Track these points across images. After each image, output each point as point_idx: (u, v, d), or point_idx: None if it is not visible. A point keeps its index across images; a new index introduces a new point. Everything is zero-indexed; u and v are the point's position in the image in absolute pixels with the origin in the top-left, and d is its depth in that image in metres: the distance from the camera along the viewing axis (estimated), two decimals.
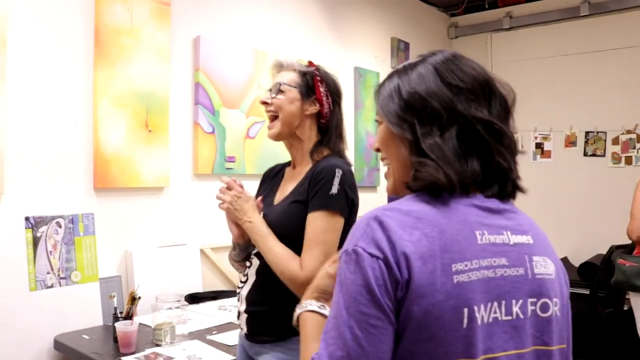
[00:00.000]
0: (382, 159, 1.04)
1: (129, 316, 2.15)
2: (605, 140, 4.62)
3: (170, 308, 2.19)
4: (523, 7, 5.02)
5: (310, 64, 1.71)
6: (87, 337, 2.23)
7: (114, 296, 2.24)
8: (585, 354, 3.86)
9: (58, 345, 2.21)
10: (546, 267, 0.94)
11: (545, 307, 0.91)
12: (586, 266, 4.13)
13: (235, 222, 1.62)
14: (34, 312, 2.25)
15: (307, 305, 1.00)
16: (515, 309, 0.88)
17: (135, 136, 2.67)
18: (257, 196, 1.72)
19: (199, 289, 2.89)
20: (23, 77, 2.33)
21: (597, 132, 4.65)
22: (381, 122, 1.01)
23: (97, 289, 2.45)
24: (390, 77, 1.01)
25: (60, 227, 2.37)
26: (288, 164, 1.78)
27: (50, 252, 2.33)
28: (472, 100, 0.92)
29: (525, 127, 5.01)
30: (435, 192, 0.90)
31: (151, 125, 2.73)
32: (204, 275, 2.98)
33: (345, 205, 1.52)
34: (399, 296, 0.81)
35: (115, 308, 2.20)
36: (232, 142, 3.13)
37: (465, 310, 0.82)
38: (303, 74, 1.67)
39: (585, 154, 4.72)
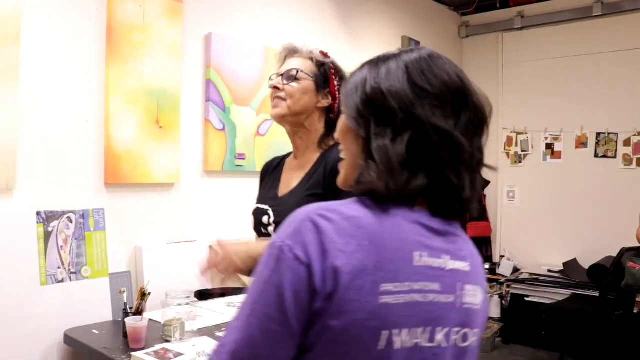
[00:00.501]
0: (341, 150, 0.97)
1: (138, 312, 2.15)
2: (616, 142, 4.59)
3: (179, 304, 2.20)
4: (535, 7, 5.00)
5: (325, 55, 1.64)
6: (96, 332, 2.24)
7: (124, 291, 2.25)
8: (595, 357, 3.84)
9: (68, 339, 2.22)
10: (475, 297, 0.90)
11: (465, 338, 0.88)
12: (596, 268, 4.11)
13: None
14: (44, 307, 2.26)
15: None
16: (439, 336, 0.84)
17: (146, 132, 2.68)
18: (259, 191, 1.72)
19: (207, 285, 2.89)
20: (36, 72, 2.34)
21: (609, 133, 4.62)
22: (343, 112, 0.96)
23: (107, 284, 2.46)
24: (361, 67, 0.95)
25: (71, 222, 2.38)
26: (286, 155, 1.74)
27: (61, 247, 2.34)
28: (436, 107, 0.85)
29: (535, 127, 4.99)
30: (379, 200, 0.84)
31: (162, 122, 2.74)
32: (213, 271, 2.98)
33: None
34: (315, 307, 0.76)
35: (125, 303, 2.21)
36: (242, 139, 3.13)
37: (384, 333, 0.78)
38: (320, 65, 1.61)
39: (596, 155, 4.70)
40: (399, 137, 0.84)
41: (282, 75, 1.60)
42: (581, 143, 4.76)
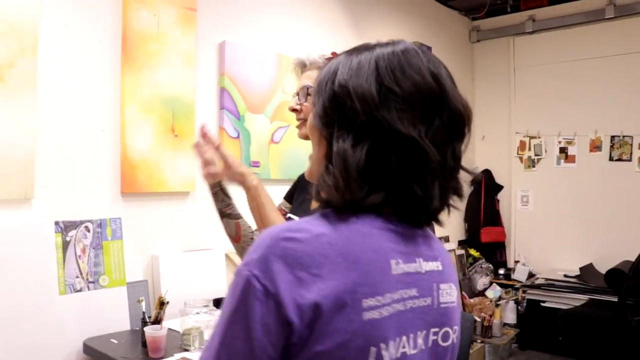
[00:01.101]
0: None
1: (157, 321, 2.15)
2: (631, 145, 4.56)
3: (198, 313, 2.19)
4: (546, 11, 4.98)
5: (335, 55, 1.63)
6: (115, 341, 2.23)
7: (142, 300, 2.25)
8: None
9: (87, 349, 2.22)
10: (451, 295, 0.88)
11: (446, 337, 0.85)
12: (613, 273, 4.07)
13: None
14: (63, 316, 2.26)
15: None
16: (419, 340, 0.82)
17: (162, 141, 2.68)
18: (288, 198, 1.71)
19: (223, 293, 2.87)
20: (53, 82, 2.35)
21: (623, 137, 4.59)
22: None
23: (124, 293, 2.46)
24: (337, 57, 0.88)
25: (88, 231, 2.38)
26: None
27: (79, 256, 2.34)
28: (404, 111, 0.78)
29: (548, 131, 4.96)
30: (339, 211, 0.80)
31: (177, 130, 2.75)
32: (229, 279, 2.98)
33: None
34: (293, 339, 0.71)
35: (143, 312, 2.21)
36: (256, 147, 3.13)
37: (373, 349, 0.75)
38: None
39: (610, 159, 4.66)
40: (360, 143, 0.78)
41: (298, 94, 1.59)
42: (595, 146, 4.73)
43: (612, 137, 4.64)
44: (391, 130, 0.77)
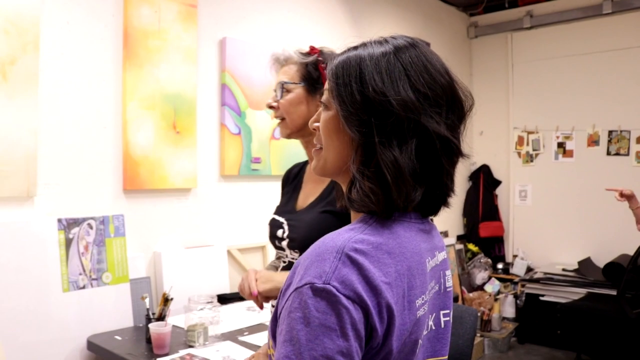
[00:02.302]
0: (316, 142, 0.93)
1: (161, 317, 2.15)
2: (629, 139, 4.57)
3: (202, 309, 2.19)
4: (544, 6, 4.99)
5: (312, 49, 1.54)
6: (119, 337, 2.24)
7: (146, 297, 2.25)
8: (612, 356, 3.82)
9: (91, 346, 2.22)
10: (450, 280, 0.98)
11: (447, 316, 0.95)
12: (612, 266, 4.10)
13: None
14: (66, 313, 2.26)
15: None
16: (430, 322, 0.90)
17: (164, 138, 2.68)
18: (281, 199, 1.70)
19: (226, 289, 2.89)
20: (55, 79, 2.35)
21: (621, 131, 4.61)
22: (329, 106, 0.88)
23: (127, 290, 2.46)
24: (350, 54, 0.88)
25: (91, 228, 2.38)
26: (307, 162, 1.68)
27: (82, 253, 2.34)
28: (437, 113, 0.83)
29: (546, 126, 4.98)
30: (378, 215, 0.83)
31: (179, 127, 2.74)
32: (231, 276, 2.99)
33: None
34: (374, 344, 0.75)
35: (147, 309, 2.21)
36: (257, 144, 3.14)
37: (419, 341, 0.83)
38: (305, 66, 1.50)
39: (608, 153, 4.68)
40: (405, 147, 0.81)
41: (275, 90, 1.55)
42: (593, 141, 4.75)
43: (610, 132, 4.66)
44: (432, 132, 0.82)
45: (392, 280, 0.77)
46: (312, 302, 0.72)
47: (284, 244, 1.56)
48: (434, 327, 0.92)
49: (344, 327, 0.71)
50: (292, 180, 1.71)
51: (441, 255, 0.95)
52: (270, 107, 1.56)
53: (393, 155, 0.80)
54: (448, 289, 0.96)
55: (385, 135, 0.81)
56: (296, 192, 1.65)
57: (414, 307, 0.80)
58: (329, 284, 0.72)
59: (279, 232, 1.57)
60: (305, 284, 0.74)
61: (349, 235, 0.78)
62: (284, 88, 1.51)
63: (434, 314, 0.92)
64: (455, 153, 0.86)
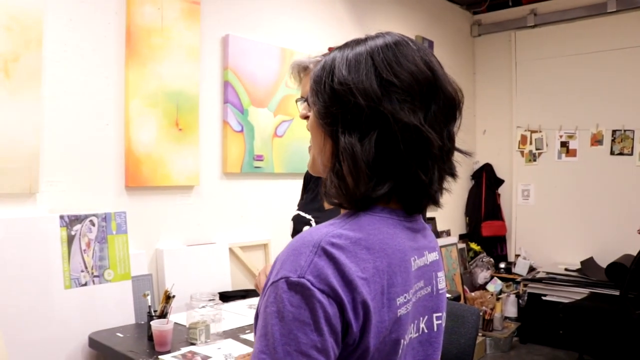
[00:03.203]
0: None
1: (163, 315, 2.15)
2: (633, 139, 4.56)
3: (204, 306, 2.19)
4: (548, 4, 4.97)
5: (332, 50, 1.58)
6: (121, 335, 2.24)
7: (147, 294, 2.25)
8: (614, 356, 3.81)
9: (93, 343, 2.22)
10: (443, 281, 0.96)
11: (439, 318, 0.94)
12: (614, 266, 4.08)
13: None
14: (68, 310, 2.26)
15: None
16: (422, 325, 0.89)
17: (166, 135, 2.68)
18: (302, 196, 1.70)
19: (228, 287, 2.89)
20: (57, 77, 2.35)
21: (625, 131, 4.59)
22: (312, 106, 0.90)
23: (129, 287, 2.46)
24: (329, 54, 0.90)
25: (93, 225, 2.38)
26: None
27: (84, 250, 2.34)
28: (405, 101, 0.80)
29: (550, 125, 4.97)
30: (358, 208, 0.83)
31: (181, 124, 2.74)
32: (233, 273, 2.99)
33: None
34: (350, 341, 0.74)
35: (149, 306, 2.21)
36: (260, 141, 3.13)
37: (402, 341, 0.81)
38: None
39: (612, 153, 4.66)
40: (367, 137, 0.80)
41: (306, 100, 1.56)
42: (597, 141, 4.73)
43: (614, 131, 4.65)
44: (395, 121, 0.79)
45: (369, 276, 0.76)
46: (286, 296, 0.72)
47: None
48: (426, 330, 0.91)
49: (318, 321, 0.71)
50: (318, 177, 1.70)
51: (432, 256, 0.93)
52: (306, 117, 1.54)
53: (350, 145, 0.80)
54: (441, 291, 0.95)
55: (347, 125, 0.81)
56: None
57: (394, 305, 0.79)
58: (303, 277, 0.72)
59: (305, 229, 1.57)
60: (281, 278, 0.73)
61: (327, 230, 0.77)
62: None
63: (426, 317, 0.91)
64: (430, 144, 0.81)
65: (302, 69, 1.58)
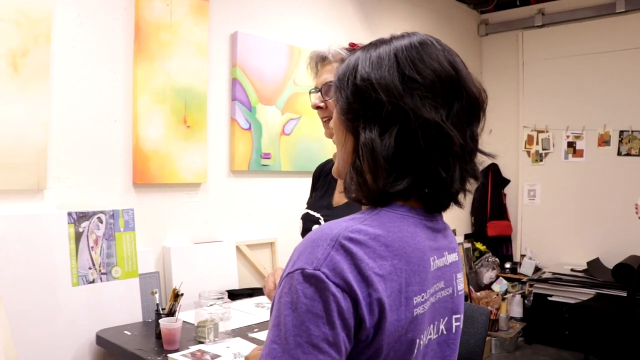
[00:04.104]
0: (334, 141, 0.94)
1: (171, 313, 2.14)
2: None
3: (212, 304, 2.18)
4: (556, 4, 4.95)
5: (354, 45, 1.52)
6: (128, 332, 2.22)
7: (155, 292, 2.23)
8: (621, 357, 3.79)
9: (100, 340, 2.21)
10: (461, 283, 0.96)
11: (458, 320, 0.94)
12: (621, 267, 4.06)
13: None
14: (76, 307, 2.25)
15: None
16: (442, 326, 0.89)
17: (174, 132, 2.67)
18: (311, 194, 1.68)
19: (235, 285, 2.88)
20: (66, 72, 2.33)
21: (632, 131, 4.57)
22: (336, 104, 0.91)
23: (137, 285, 2.45)
24: (354, 53, 0.90)
25: (101, 222, 2.37)
26: None
27: (92, 247, 2.33)
28: (426, 98, 0.80)
29: (556, 125, 4.94)
30: (376, 204, 0.84)
31: (189, 121, 2.73)
32: (240, 271, 2.97)
33: None
34: (363, 337, 0.74)
35: (157, 304, 2.19)
36: (268, 139, 3.11)
37: (417, 341, 0.81)
38: None
39: (619, 154, 4.64)
40: (387, 132, 0.80)
41: (320, 90, 1.51)
42: (604, 141, 4.71)
43: (621, 132, 4.62)
44: (416, 117, 0.79)
45: (387, 273, 0.75)
46: (301, 287, 0.72)
47: None
48: (445, 332, 0.90)
49: (330, 314, 0.70)
50: (326, 175, 1.68)
51: (452, 257, 0.92)
52: (317, 107, 1.52)
53: (370, 139, 0.80)
54: (460, 292, 0.94)
55: (368, 119, 0.82)
56: (331, 188, 1.63)
57: (411, 304, 0.78)
58: (319, 270, 0.72)
59: (315, 228, 1.55)
60: (297, 270, 0.73)
61: (347, 225, 0.77)
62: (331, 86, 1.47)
63: (446, 318, 0.90)
64: (451, 141, 0.81)
65: (320, 59, 1.55)
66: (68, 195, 2.35)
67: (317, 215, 1.59)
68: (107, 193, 2.48)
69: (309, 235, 0.77)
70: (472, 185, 0.89)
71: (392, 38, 0.87)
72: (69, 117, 2.35)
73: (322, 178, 1.71)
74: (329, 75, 1.50)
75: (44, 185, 2.25)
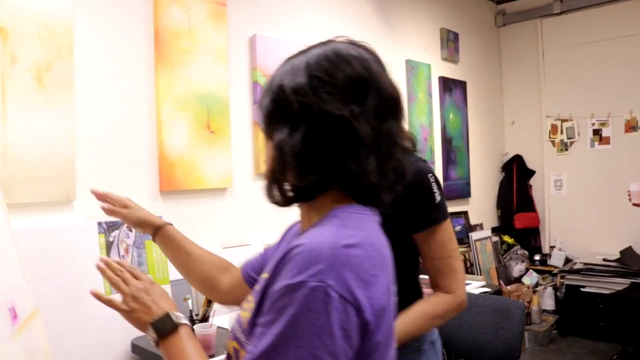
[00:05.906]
0: None
1: (205, 318, 2.14)
2: None
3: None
4: None
5: None
6: None
7: (188, 298, 2.24)
8: None
9: (136, 348, 2.22)
10: None
11: None
12: None
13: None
14: (110, 316, 2.24)
15: (179, 318, 1.00)
16: None
17: (198, 138, 2.67)
18: None
19: None
20: (89, 83, 2.35)
21: None
22: None
23: (169, 292, 2.45)
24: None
25: (130, 231, 2.38)
26: None
27: (123, 256, 2.34)
28: (334, 94, 0.83)
29: (581, 113, 4.87)
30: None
31: (213, 127, 2.73)
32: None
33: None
34: (367, 337, 0.76)
35: (190, 311, 2.20)
36: None
37: (394, 325, 0.87)
38: None
39: None
40: (296, 131, 0.84)
41: None
42: (631, 127, 4.62)
43: None
44: (322, 112, 0.82)
45: (379, 272, 0.79)
46: (304, 300, 0.72)
47: None
48: None
49: (332, 327, 0.72)
50: None
51: None
52: None
53: (280, 140, 0.85)
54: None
55: (281, 121, 0.86)
56: None
57: (392, 294, 0.84)
58: (322, 282, 0.72)
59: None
60: (301, 282, 0.73)
61: (334, 231, 0.80)
62: None
63: None
64: (359, 135, 0.83)
65: None
66: (97, 205, 2.35)
67: None
68: (135, 201, 2.48)
69: (305, 246, 0.77)
70: (398, 182, 0.89)
71: (310, 48, 0.92)
72: (94, 128, 2.37)
73: None
74: None
75: (73, 196, 2.26)
